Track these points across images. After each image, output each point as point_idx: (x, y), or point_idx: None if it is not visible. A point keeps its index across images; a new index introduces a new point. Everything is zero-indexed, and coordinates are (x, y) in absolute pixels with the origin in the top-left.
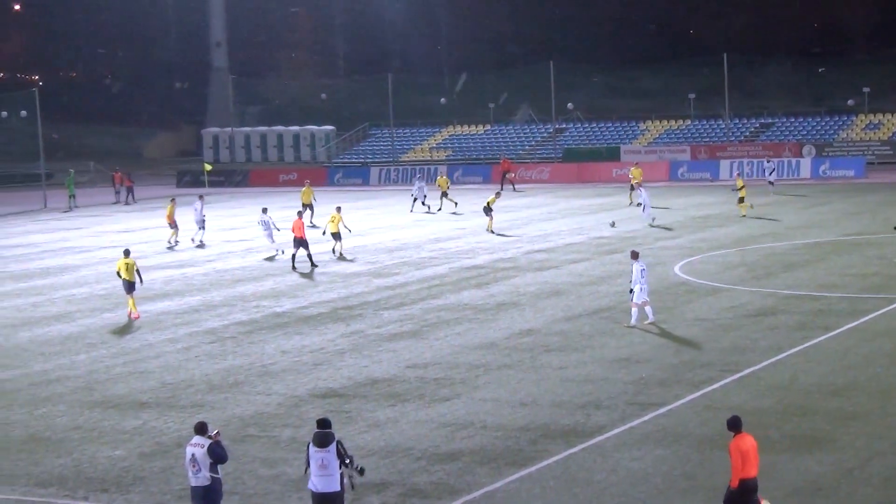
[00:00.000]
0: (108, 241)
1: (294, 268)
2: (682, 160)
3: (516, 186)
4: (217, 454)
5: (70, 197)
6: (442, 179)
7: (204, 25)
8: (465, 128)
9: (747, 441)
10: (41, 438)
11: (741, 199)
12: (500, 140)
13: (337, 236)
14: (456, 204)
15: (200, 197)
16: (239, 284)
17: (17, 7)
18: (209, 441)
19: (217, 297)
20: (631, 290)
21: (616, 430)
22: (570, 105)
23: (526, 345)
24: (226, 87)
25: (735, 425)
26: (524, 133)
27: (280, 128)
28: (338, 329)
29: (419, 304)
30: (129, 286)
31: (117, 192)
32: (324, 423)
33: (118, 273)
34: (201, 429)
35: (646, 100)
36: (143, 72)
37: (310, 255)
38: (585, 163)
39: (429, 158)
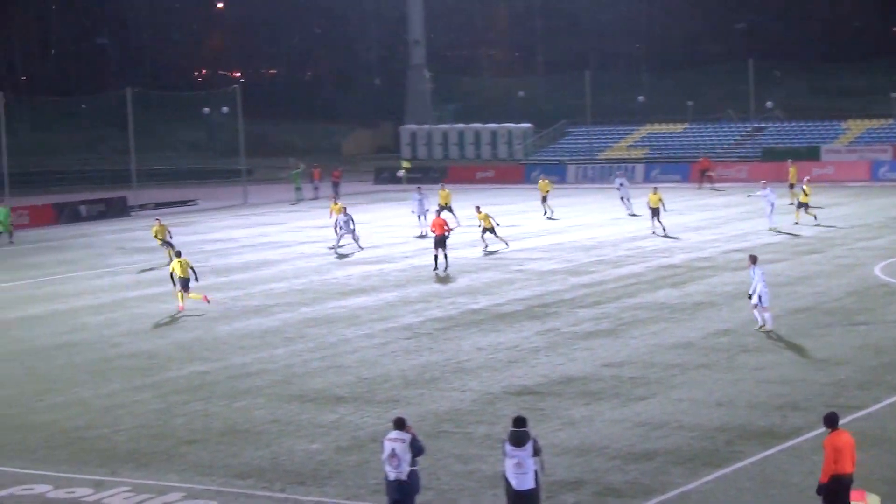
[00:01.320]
0: (306, 236)
1: (436, 267)
2: (884, 160)
3: (715, 185)
4: (418, 448)
5: (296, 189)
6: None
7: (403, 23)
8: (663, 126)
9: (843, 437)
10: (240, 430)
11: None
12: (699, 139)
13: (490, 231)
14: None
15: (419, 189)
16: (435, 281)
17: (219, 5)
18: (409, 435)
19: (413, 293)
20: (750, 296)
21: (813, 433)
22: (769, 104)
23: (722, 345)
24: (424, 84)
25: (831, 422)
26: (723, 132)
27: (477, 125)
28: (533, 327)
29: (615, 302)
30: (185, 283)
31: (315, 188)
32: (520, 422)
33: (171, 274)
34: (400, 423)
35: (847, 98)
36: (342, 69)
37: (445, 255)
38: (784, 162)
39: (626, 157)
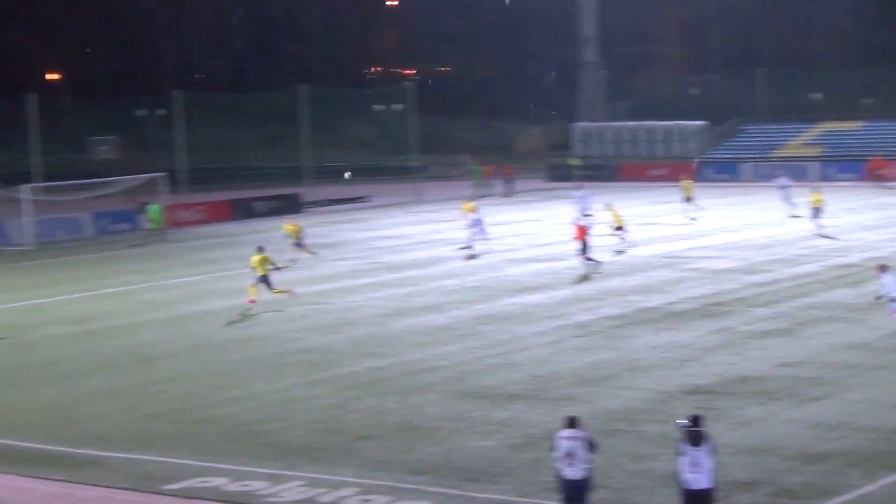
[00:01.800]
0: None
1: (591, 260)
2: None
3: (886, 184)
4: (594, 446)
5: (475, 186)
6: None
7: (575, 20)
8: (839, 124)
9: None
10: (413, 427)
11: None
12: (876, 137)
13: (620, 229)
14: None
15: (580, 187)
16: (608, 279)
17: (393, 2)
18: (584, 434)
19: (586, 290)
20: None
21: None
22: None
23: None
24: (596, 81)
25: None
26: None
27: (650, 122)
28: (707, 325)
29: (790, 301)
30: (263, 279)
31: (483, 185)
32: (696, 421)
33: (253, 268)
34: (573, 422)
35: None
36: (514, 66)
37: (588, 259)
38: None
39: (800, 155)
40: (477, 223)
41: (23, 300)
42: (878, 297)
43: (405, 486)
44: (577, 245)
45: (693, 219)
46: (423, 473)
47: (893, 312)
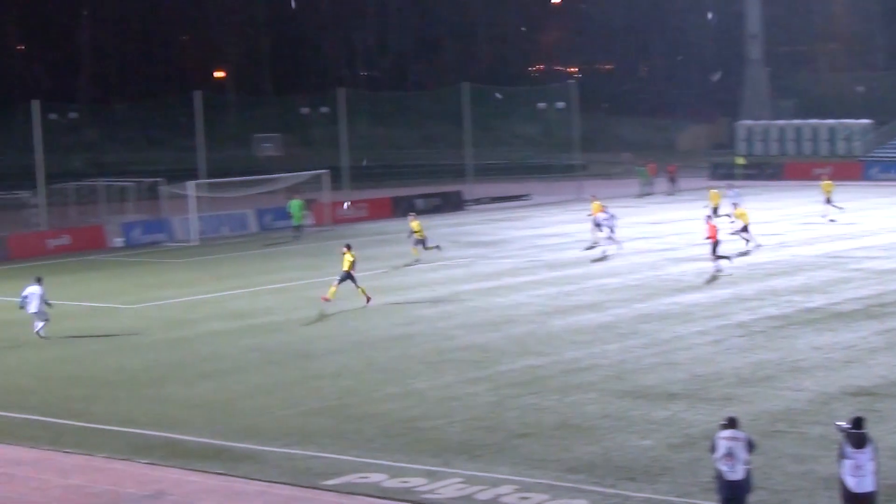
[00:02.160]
0: (639, 231)
1: (722, 258)
2: None
3: None
4: (754, 447)
5: (643, 185)
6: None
7: (739, 17)
8: None
9: None
10: (571, 425)
11: None
12: None
13: (745, 229)
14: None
15: (730, 186)
16: (770, 278)
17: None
18: (744, 434)
19: (748, 290)
20: None
21: None
22: None
23: None
24: (760, 79)
25: None
26: None
27: (815, 121)
28: (871, 326)
29: None
30: (347, 276)
31: (649, 184)
32: (858, 423)
33: (344, 265)
34: (732, 423)
35: None
36: (677, 63)
37: (720, 256)
38: None
39: None
40: (605, 223)
41: (186, 295)
42: None
43: (563, 484)
44: (710, 244)
45: (832, 220)
46: (581, 472)
47: None
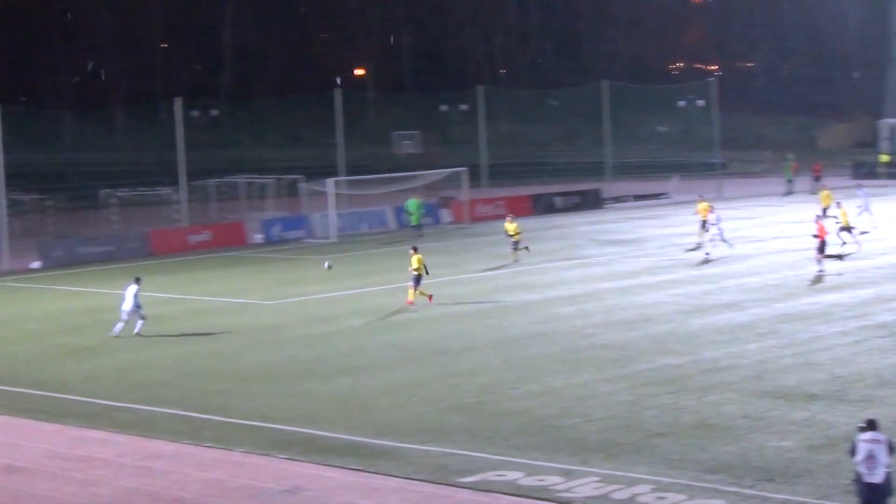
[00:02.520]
0: (779, 231)
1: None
2: None
3: None
4: (894, 450)
5: (787, 182)
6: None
7: (883, 15)
8: None
9: None
10: (710, 425)
11: None
12: None
13: (846, 230)
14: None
15: (859, 186)
16: None
17: None
18: (886, 437)
19: (890, 290)
20: None
21: None
22: None
23: None
24: None
25: None
26: None
27: None
28: None
29: None
30: (417, 279)
31: (790, 182)
32: (872, 424)
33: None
34: (874, 425)
35: None
36: (819, 61)
37: (828, 256)
38: None
39: None
40: (714, 224)
41: (325, 292)
42: None
43: (700, 484)
44: (817, 243)
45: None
46: (719, 472)
47: None
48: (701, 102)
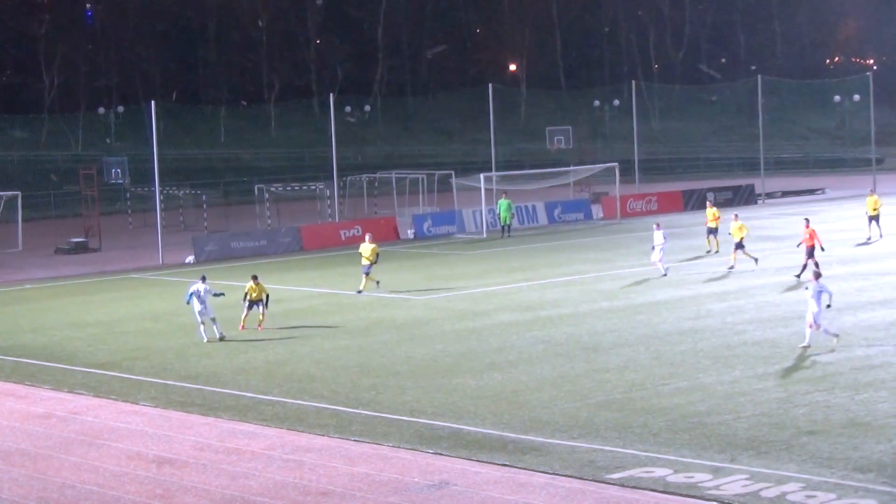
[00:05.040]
0: None
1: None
2: None
3: None
4: None
5: None
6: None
7: None
8: None
9: None
10: (861, 423)
11: None
12: None
13: None
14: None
15: None
16: None
17: None
18: None
19: None
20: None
21: None
22: None
23: None
24: None
25: None
26: None
27: None
28: None
29: None
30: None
31: None
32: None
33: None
34: None
35: None
36: None
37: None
38: None
39: None
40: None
41: (477, 287)
42: None
43: (851, 483)
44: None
45: (868, 239)
46: (870, 471)
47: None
48: (857, 97)
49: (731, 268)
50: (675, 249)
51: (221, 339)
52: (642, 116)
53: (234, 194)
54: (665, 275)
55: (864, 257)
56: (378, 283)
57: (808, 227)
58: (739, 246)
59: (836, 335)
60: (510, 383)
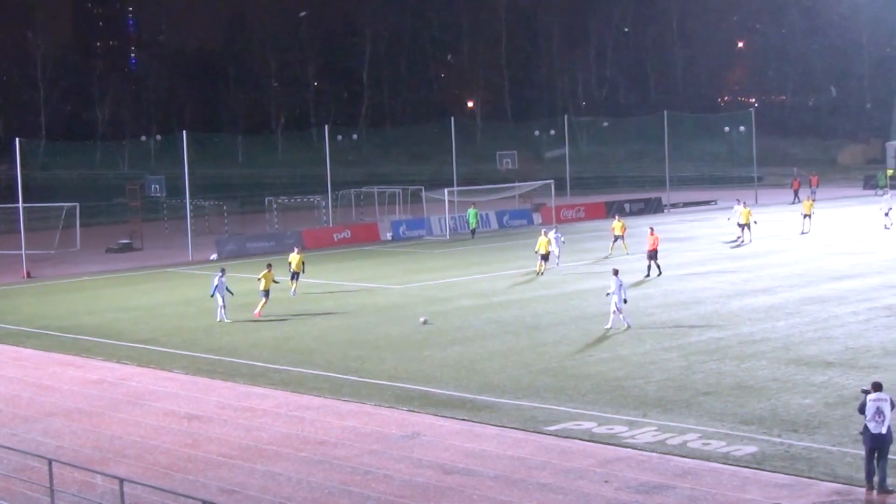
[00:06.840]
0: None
1: (648, 276)
2: None
3: None
4: (894, 406)
5: (880, 188)
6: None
7: (892, 55)
8: None
9: None
10: (746, 386)
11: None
12: None
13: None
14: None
15: (886, 191)
16: None
17: (740, 44)
18: (888, 396)
19: (895, 278)
20: (608, 294)
21: None
22: None
23: None
24: None
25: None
26: None
27: None
28: None
29: None
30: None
31: (813, 194)
32: (878, 387)
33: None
34: (879, 386)
35: None
36: (838, 95)
37: (658, 265)
38: None
39: None
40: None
41: (441, 278)
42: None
43: (738, 433)
44: (649, 253)
45: (741, 242)
46: (753, 424)
47: (612, 310)
48: (742, 128)
49: (744, 242)
50: (602, 248)
51: (220, 322)
52: (573, 142)
53: (249, 205)
54: (629, 327)
55: (748, 255)
56: (294, 293)
57: (652, 234)
58: (745, 227)
59: (629, 326)
60: (468, 355)
